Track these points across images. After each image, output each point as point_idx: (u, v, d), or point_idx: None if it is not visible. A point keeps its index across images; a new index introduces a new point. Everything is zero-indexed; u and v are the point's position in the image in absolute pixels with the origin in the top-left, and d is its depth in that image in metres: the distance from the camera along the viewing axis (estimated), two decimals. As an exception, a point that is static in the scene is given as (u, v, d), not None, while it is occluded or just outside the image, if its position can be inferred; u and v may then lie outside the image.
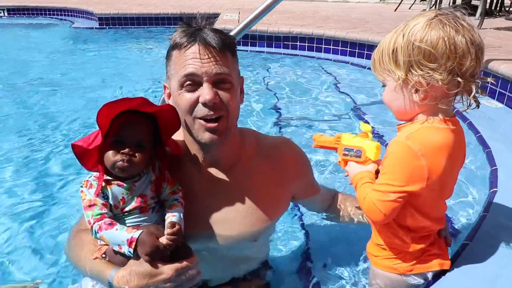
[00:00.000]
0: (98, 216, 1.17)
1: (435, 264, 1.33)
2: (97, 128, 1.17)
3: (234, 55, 1.32)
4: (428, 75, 1.12)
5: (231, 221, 1.40)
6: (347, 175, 1.39)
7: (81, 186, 1.22)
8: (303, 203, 1.80)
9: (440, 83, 1.12)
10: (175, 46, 1.27)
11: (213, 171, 1.40)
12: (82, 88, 4.63)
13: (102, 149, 1.20)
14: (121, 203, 1.22)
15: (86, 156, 1.23)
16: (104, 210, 1.18)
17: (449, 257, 1.37)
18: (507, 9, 8.17)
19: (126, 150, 1.18)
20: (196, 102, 1.23)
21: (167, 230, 1.17)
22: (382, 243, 1.34)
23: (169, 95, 1.36)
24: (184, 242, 1.23)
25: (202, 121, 1.24)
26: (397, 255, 1.32)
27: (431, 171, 1.17)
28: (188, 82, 1.23)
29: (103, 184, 1.20)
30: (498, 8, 8.02)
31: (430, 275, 1.33)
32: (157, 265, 1.15)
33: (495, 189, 2.01)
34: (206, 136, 1.26)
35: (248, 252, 1.55)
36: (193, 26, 1.28)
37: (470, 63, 1.11)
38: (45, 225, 2.26)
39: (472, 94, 1.16)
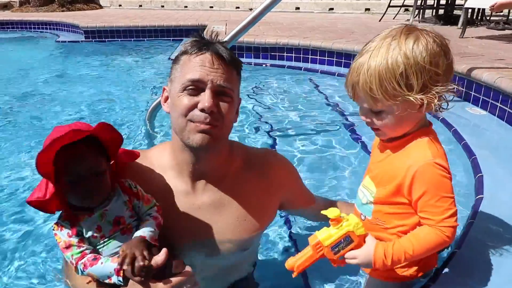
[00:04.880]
0: (79, 255, 1.15)
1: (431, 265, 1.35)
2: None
3: (239, 75, 1.36)
4: (442, 88, 1.11)
5: (220, 232, 1.40)
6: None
7: (53, 230, 1.18)
8: (296, 212, 1.82)
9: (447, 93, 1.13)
10: (185, 52, 1.31)
11: (201, 183, 1.39)
12: (68, 102, 4.58)
13: (60, 193, 1.15)
14: (98, 231, 1.18)
15: (47, 204, 1.17)
16: (83, 247, 1.16)
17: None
18: (488, 18, 8.37)
19: (86, 184, 1.13)
20: (194, 106, 1.25)
21: (164, 250, 1.14)
22: None
23: (166, 99, 1.38)
24: (177, 256, 1.21)
25: (195, 123, 1.25)
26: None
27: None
28: (191, 87, 1.25)
29: (73, 222, 1.16)
30: (479, 18, 8.21)
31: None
32: (151, 285, 1.13)
33: (481, 196, 2.03)
34: (197, 138, 1.25)
35: (238, 261, 1.55)
36: (206, 39, 1.33)
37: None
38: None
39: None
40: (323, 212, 1.20)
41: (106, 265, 1.13)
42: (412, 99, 1.09)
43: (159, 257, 1.13)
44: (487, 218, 1.78)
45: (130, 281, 1.13)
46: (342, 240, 1.17)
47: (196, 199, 1.39)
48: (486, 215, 1.82)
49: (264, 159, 1.52)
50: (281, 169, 1.55)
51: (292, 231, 2.16)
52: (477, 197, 2.04)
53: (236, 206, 1.41)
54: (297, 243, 2.07)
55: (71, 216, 1.17)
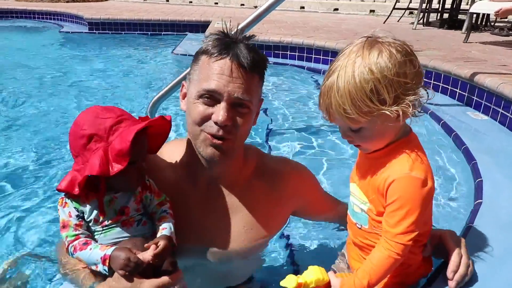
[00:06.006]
0: (73, 238, 1.15)
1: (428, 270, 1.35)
2: None
3: (261, 79, 1.29)
4: (415, 96, 1.09)
5: (224, 239, 1.37)
6: None
7: (58, 204, 1.18)
8: (314, 219, 1.80)
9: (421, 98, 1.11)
10: (206, 52, 1.23)
11: (211, 187, 1.37)
12: (69, 92, 4.58)
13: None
14: (101, 217, 1.17)
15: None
16: (79, 231, 1.16)
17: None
18: (492, 24, 8.36)
19: (138, 168, 1.17)
20: (208, 117, 1.20)
21: (153, 247, 1.12)
22: None
23: (184, 96, 1.33)
24: (170, 256, 1.18)
25: (208, 135, 1.21)
26: (406, 269, 1.28)
27: (434, 182, 1.16)
28: (206, 96, 1.20)
29: (78, 201, 1.16)
30: (483, 23, 8.20)
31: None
32: (136, 281, 1.10)
33: (480, 200, 2.03)
34: (208, 151, 1.23)
35: (238, 268, 1.53)
36: (229, 37, 1.25)
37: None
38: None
39: None
40: (281, 284, 1.19)
41: (94, 252, 1.12)
42: (387, 112, 1.07)
43: (147, 254, 1.11)
44: (485, 223, 1.77)
45: (115, 273, 1.11)
46: None
47: (203, 203, 1.37)
48: (484, 220, 1.81)
49: (277, 168, 1.48)
50: (295, 179, 1.50)
51: (291, 235, 2.14)
52: (476, 202, 2.04)
53: (244, 214, 1.38)
54: (298, 253, 2.05)
55: (79, 195, 1.15)
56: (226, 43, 1.22)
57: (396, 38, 1.11)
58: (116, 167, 1.08)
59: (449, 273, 1.26)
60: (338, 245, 1.97)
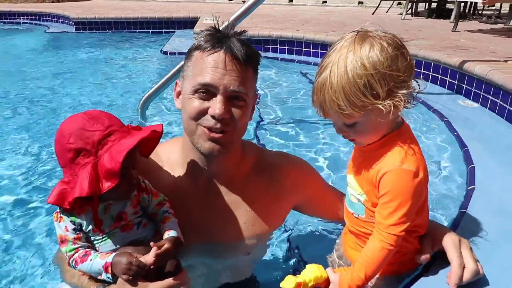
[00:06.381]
0: (72, 252, 1.12)
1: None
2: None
3: (255, 72, 1.28)
4: (408, 89, 1.09)
5: (226, 236, 1.37)
6: None
7: (53, 219, 1.15)
8: (322, 215, 1.75)
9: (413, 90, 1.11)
10: (198, 47, 1.21)
11: (210, 184, 1.35)
12: (57, 93, 4.52)
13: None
14: (97, 228, 1.14)
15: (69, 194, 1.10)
16: (78, 244, 1.13)
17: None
18: (480, 12, 8.41)
19: (129, 177, 1.14)
20: (205, 111, 1.18)
21: (154, 249, 1.09)
22: None
23: (179, 94, 1.31)
24: (174, 256, 1.16)
25: (205, 129, 1.19)
26: (402, 257, 1.29)
27: (427, 173, 1.17)
28: (202, 90, 1.18)
29: (73, 214, 1.12)
30: (471, 12, 8.25)
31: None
32: (141, 285, 1.08)
33: (473, 186, 2.05)
34: (207, 146, 1.21)
35: (241, 265, 1.52)
36: (221, 32, 1.23)
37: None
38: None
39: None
40: (281, 285, 1.20)
41: (95, 262, 1.10)
42: (381, 106, 1.07)
43: (149, 257, 1.08)
44: (478, 209, 1.79)
45: (119, 279, 1.09)
46: None
47: (203, 201, 1.35)
48: (478, 205, 1.83)
49: (276, 163, 1.46)
50: (294, 173, 1.48)
51: (293, 232, 2.13)
52: (469, 188, 2.06)
53: (244, 210, 1.37)
54: (299, 246, 2.05)
55: (74, 208, 1.11)
56: (219, 38, 1.20)
57: (386, 31, 1.10)
58: (106, 185, 1.05)
59: (452, 286, 1.21)
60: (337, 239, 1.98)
